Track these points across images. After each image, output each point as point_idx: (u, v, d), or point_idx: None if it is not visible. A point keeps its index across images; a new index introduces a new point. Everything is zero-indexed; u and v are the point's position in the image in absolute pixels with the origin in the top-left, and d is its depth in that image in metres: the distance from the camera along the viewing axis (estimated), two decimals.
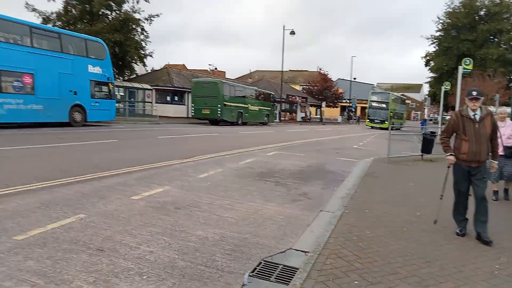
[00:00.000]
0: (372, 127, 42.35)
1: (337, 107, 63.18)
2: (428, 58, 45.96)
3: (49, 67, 17.28)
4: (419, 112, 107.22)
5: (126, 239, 4.16)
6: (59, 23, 30.91)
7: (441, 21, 41.69)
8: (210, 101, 28.34)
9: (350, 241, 4.42)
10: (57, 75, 17.68)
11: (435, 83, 44.73)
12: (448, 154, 4.86)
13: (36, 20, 30.08)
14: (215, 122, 29.69)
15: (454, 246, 4.46)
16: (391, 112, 42.40)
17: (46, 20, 30.67)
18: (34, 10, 30.34)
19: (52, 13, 31.16)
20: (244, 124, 32.08)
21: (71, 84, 18.37)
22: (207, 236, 4.45)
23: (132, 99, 32.61)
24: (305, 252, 4.16)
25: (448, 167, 4.95)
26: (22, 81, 16.29)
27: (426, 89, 63.58)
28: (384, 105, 42.77)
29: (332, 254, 3.99)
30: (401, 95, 62.74)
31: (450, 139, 5.03)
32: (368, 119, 44.10)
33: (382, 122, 41.64)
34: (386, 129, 33.40)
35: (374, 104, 43.65)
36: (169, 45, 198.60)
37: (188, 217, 5.09)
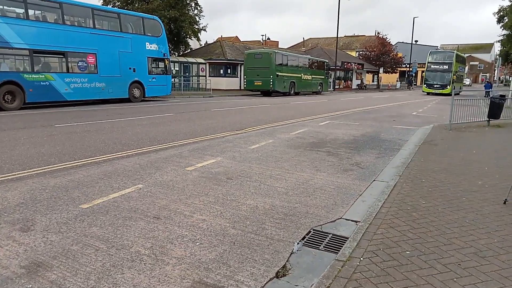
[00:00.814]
0: (428, 94, 37.79)
1: (396, 72, 59.87)
2: (501, 13, 41.62)
3: (110, 47, 18.12)
4: (488, 74, 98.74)
5: (181, 208, 4.37)
6: (118, 3, 32.08)
7: None
8: (262, 72, 28.23)
9: (404, 211, 4.28)
10: (117, 53, 18.53)
11: (508, 41, 40.56)
12: None
13: (97, 2, 31.54)
14: (267, 93, 29.65)
15: None
16: (454, 74, 37.37)
17: (106, 1, 31.98)
18: None
19: None
20: (296, 94, 31.69)
21: (130, 61, 19.19)
22: (257, 205, 4.54)
23: (187, 74, 33.37)
24: (356, 222, 4.11)
25: None
26: (86, 61, 17.28)
27: (497, 48, 58.01)
28: (446, 66, 37.24)
29: (383, 224, 3.90)
30: (467, 56, 57.45)
31: None
32: (425, 84, 38.56)
33: (443, 87, 36.55)
34: (448, 95, 30.75)
35: (433, 66, 38.20)
36: (223, 19, 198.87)
37: (239, 187, 5.22)
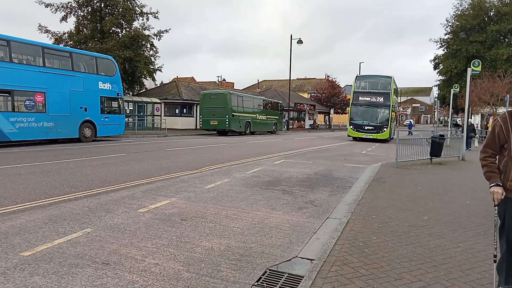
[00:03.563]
0: (356, 139, 26.55)
1: (346, 113, 62.84)
2: (437, 61, 45.66)
3: (60, 85, 17.63)
4: (429, 115, 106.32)
5: (132, 252, 4.19)
6: (71, 42, 31.62)
7: (450, 24, 41.46)
8: (218, 112, 28.58)
9: (356, 247, 4.38)
10: (68, 92, 18.02)
11: (444, 86, 44.15)
12: (493, 184, 3.05)
13: (49, 41, 30.87)
14: (223, 132, 29.90)
15: (461, 249, 4.38)
16: (393, 110, 27.37)
17: (58, 40, 31.42)
18: (47, 31, 31.15)
19: (64, 33, 31.93)
20: (252, 133, 32.17)
21: (81, 100, 18.71)
22: (212, 246, 4.45)
23: (141, 113, 32.99)
24: (311, 260, 4.14)
25: (496, 205, 3.10)
26: (34, 99, 16.62)
27: (436, 92, 63.01)
28: (381, 98, 26.34)
29: (337, 261, 3.96)
30: (409, 98, 60.68)
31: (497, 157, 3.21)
32: (351, 124, 26.77)
33: (379, 129, 25.83)
34: (384, 141, 25.90)
35: (362, 97, 26.90)
36: (184, 59, 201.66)
37: (194, 228, 5.11)
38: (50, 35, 31.34)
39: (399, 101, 45.90)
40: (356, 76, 28.52)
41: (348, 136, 27.16)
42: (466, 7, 40.06)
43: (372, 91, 26.97)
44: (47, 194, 6.82)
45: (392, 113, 26.64)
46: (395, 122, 32.31)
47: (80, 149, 15.18)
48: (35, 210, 5.75)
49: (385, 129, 25.64)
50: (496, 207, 3.12)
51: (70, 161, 11.50)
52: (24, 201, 6.27)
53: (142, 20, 33.93)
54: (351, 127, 26.61)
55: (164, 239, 4.65)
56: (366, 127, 26.02)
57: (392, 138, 26.84)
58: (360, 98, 26.77)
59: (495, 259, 3.15)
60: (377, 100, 26.31)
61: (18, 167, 10.00)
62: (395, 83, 28.36)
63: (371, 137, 25.65)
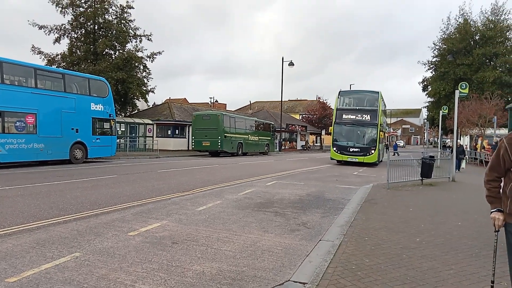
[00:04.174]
0: (341, 162, 23.58)
1: None
2: (425, 83, 46.61)
3: (51, 107, 17.57)
4: (419, 136, 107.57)
5: (121, 277, 4.11)
6: (64, 64, 31.74)
7: (437, 47, 42.58)
8: (210, 133, 28.62)
9: (349, 270, 4.35)
10: (59, 114, 17.95)
11: (433, 108, 44.93)
12: (494, 210, 2.94)
13: (42, 62, 30.98)
14: (215, 153, 29.84)
15: (453, 272, 4.37)
16: (381, 130, 24.17)
17: (51, 61, 31.53)
18: (40, 52, 31.28)
19: (57, 54, 32.09)
20: (244, 154, 32.18)
21: (73, 122, 18.63)
22: (203, 270, 4.39)
23: (133, 134, 32.91)
24: (303, 283, 4.09)
25: (496, 231, 2.99)
26: (25, 121, 16.52)
27: (425, 113, 64.03)
28: (367, 117, 23.10)
29: (330, 284, 3.92)
30: (399, 120, 60.65)
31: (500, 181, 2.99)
32: (334, 146, 23.49)
33: (366, 151, 22.70)
34: (373, 164, 22.90)
35: (346, 115, 23.70)
36: (177, 80, 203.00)
37: (185, 252, 5.04)
38: (43, 56, 31.52)
39: (388, 121, 44.73)
40: (340, 91, 24.77)
41: (331, 159, 23.93)
42: (453, 31, 41.27)
43: (357, 108, 23.93)
44: (35, 217, 6.70)
45: (381, 132, 23.45)
46: (384, 143, 29.23)
47: (70, 171, 15.01)
48: (22, 234, 5.63)
49: (372, 151, 22.53)
50: (496, 233, 3.02)
51: (60, 183, 11.35)
52: (11, 225, 6.14)
53: (136, 42, 34.35)
54: (334, 148, 23.36)
55: (154, 263, 4.58)
56: (351, 149, 22.86)
57: (381, 161, 25.16)
58: (344, 116, 23.59)
59: (492, 285, 3.10)
60: (363, 118, 23.12)
61: (6, 189, 9.84)
62: (383, 100, 25.00)
63: (356, 160, 22.61)
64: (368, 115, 23.02)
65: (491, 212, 2.97)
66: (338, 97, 24.24)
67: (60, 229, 5.95)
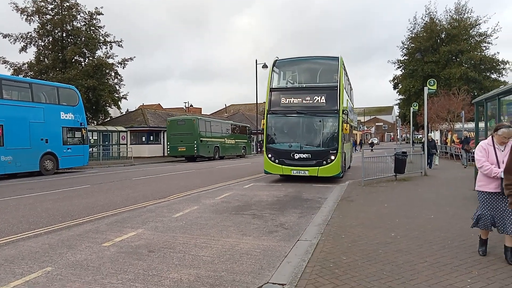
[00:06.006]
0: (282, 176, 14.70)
1: None
2: (396, 81, 47.74)
3: (19, 117, 16.95)
4: (392, 133, 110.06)
5: None
6: (31, 73, 30.67)
7: (406, 46, 43.75)
8: (186, 138, 28.36)
9: (327, 268, 4.38)
10: (27, 124, 17.35)
11: (404, 105, 46.05)
12: None
13: (7, 72, 29.81)
14: (191, 158, 29.59)
15: (428, 264, 4.47)
16: (345, 121, 14.10)
17: (17, 71, 30.39)
18: (5, 62, 30.14)
19: (23, 63, 30.99)
20: (221, 158, 32.03)
21: (42, 132, 18.04)
22: (181, 278, 4.31)
23: (107, 142, 32.16)
24: (282, 284, 4.08)
25: None
26: None
27: (397, 111, 65.60)
28: (321, 99, 13.63)
29: (308, 284, 3.93)
30: (372, 118, 61.44)
31: None
32: (269, 149, 14.05)
33: (321, 156, 13.26)
34: (333, 179, 13.72)
35: (288, 98, 14.09)
36: (154, 86, 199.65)
37: (162, 260, 4.95)
38: (8, 66, 30.35)
39: (362, 120, 40.15)
40: (275, 60, 14.80)
41: (266, 172, 14.34)
42: (420, 30, 42.52)
43: (304, 85, 14.63)
44: (3, 233, 6.42)
45: (344, 125, 13.82)
46: (350, 142, 20.34)
47: (41, 183, 14.52)
48: None
49: (332, 156, 13.21)
50: None
51: (30, 196, 10.95)
52: None
53: (106, 48, 33.61)
54: (269, 155, 14.00)
55: (130, 273, 4.46)
56: (296, 155, 13.53)
57: (349, 167, 18.78)
58: (283, 100, 14.11)
59: None
60: (315, 101, 13.74)
61: None
62: (345, 71, 15.42)
63: (307, 173, 13.44)
64: (323, 97, 13.66)
65: None
66: (272, 71, 14.47)
67: (30, 244, 5.73)
